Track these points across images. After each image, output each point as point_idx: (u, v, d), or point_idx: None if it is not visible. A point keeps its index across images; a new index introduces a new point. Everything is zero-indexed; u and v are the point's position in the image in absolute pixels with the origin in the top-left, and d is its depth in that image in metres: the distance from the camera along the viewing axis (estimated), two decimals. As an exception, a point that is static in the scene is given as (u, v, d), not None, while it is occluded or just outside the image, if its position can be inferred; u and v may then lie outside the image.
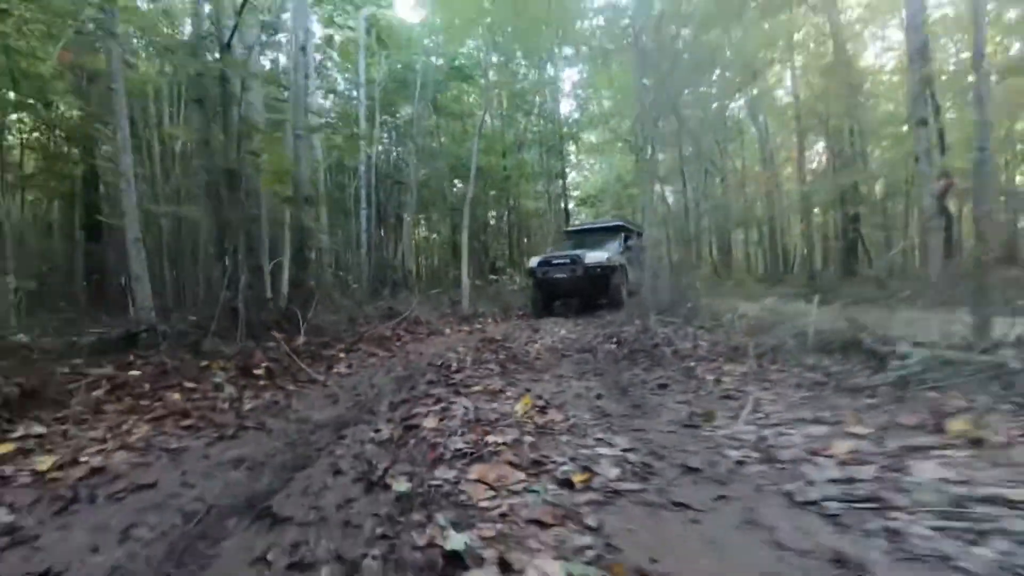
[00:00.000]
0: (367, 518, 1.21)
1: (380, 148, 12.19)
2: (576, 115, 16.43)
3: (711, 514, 1.19)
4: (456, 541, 1.03)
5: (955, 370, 2.27)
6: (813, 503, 1.21)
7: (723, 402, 2.24)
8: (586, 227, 10.37)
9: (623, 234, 9.06)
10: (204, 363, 3.05)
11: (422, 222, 15.97)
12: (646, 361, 3.36)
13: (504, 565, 0.97)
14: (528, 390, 2.50)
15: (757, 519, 1.15)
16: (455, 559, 0.99)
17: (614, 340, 4.24)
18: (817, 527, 1.10)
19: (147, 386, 2.45)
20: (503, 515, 1.17)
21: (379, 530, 1.13)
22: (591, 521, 1.14)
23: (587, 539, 1.06)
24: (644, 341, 3.93)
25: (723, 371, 2.87)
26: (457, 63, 10.81)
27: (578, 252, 7.96)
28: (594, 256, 7.74)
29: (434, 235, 18.20)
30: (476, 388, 2.55)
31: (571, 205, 20.15)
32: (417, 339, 5.02)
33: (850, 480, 1.31)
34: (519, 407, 2.07)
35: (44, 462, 1.54)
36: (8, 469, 1.54)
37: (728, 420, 1.95)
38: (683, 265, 7.56)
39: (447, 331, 5.75)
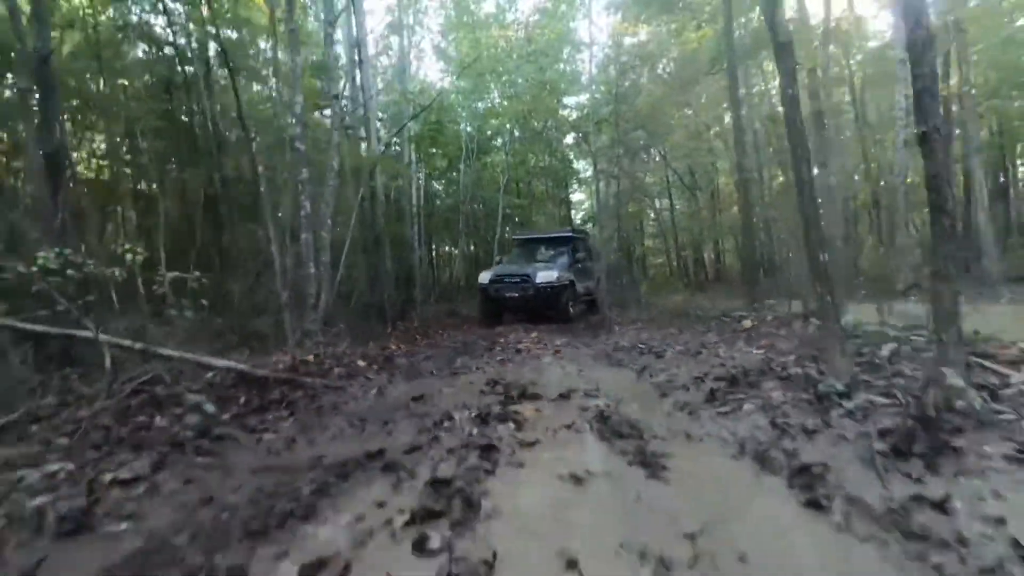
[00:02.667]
0: (494, 352, 4.92)
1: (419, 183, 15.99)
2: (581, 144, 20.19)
3: (589, 348, 4.88)
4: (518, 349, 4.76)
5: (704, 318, 5.92)
6: (623, 349, 4.89)
7: (617, 334, 5.90)
8: (537, 236, 10.62)
9: (572, 244, 9.45)
10: (388, 330, 6.81)
11: (446, 241, 19.67)
12: (597, 327, 7.04)
13: (529, 352, 4.69)
14: (535, 337, 6.21)
15: (602, 351, 4.83)
16: (517, 350, 4.70)
17: (583, 321, 7.94)
18: (618, 351, 4.78)
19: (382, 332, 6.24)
20: (529, 351, 4.86)
21: (499, 353, 4.84)
22: (551, 350, 4.84)
23: (549, 350, 4.75)
24: (600, 319, 7.62)
25: (629, 328, 6.53)
26: (484, 129, 14.59)
27: (529, 271, 8.43)
28: (545, 275, 8.22)
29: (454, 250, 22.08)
30: (514, 336, 6.28)
31: (577, 221, 23.91)
32: (473, 326, 8.76)
33: (637, 342, 4.99)
34: (533, 336, 5.80)
35: (393, 351, 5.32)
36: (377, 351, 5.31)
37: (613, 338, 5.62)
38: (632, 272, 11.13)
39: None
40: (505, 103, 14.30)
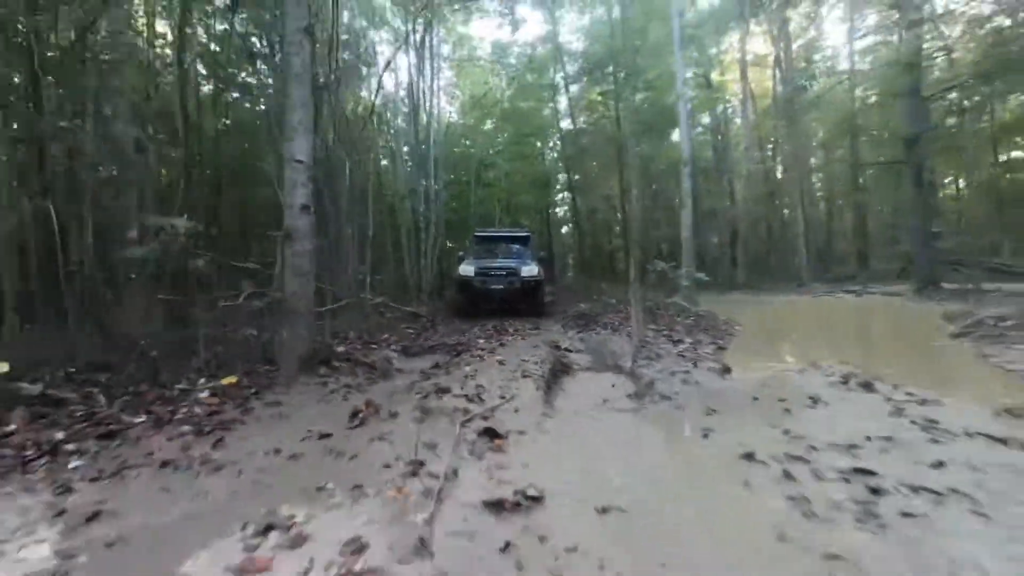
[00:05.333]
0: (499, 314, 11.32)
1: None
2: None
3: (540, 316, 11.31)
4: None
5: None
6: (559, 312, 11.30)
7: (562, 307, 12.31)
8: (498, 234, 11.88)
9: (530, 242, 10.89)
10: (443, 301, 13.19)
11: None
12: (559, 312, 13.46)
13: (515, 314, 11.09)
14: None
15: (547, 312, 11.26)
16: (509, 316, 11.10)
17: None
18: (556, 313, 11.19)
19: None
20: (517, 315, 11.24)
21: (502, 314, 11.22)
22: (524, 315, 11.25)
23: (523, 315, 11.14)
24: (559, 306, 14.07)
25: (572, 304, 12.96)
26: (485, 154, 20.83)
27: (514, 265, 9.78)
28: (528, 270, 9.65)
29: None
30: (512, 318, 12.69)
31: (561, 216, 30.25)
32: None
33: (577, 311, 11.40)
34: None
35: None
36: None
37: (560, 307, 12.04)
38: (604, 265, 17.51)
39: (489, 301, 15.93)
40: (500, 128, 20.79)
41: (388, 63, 11.20)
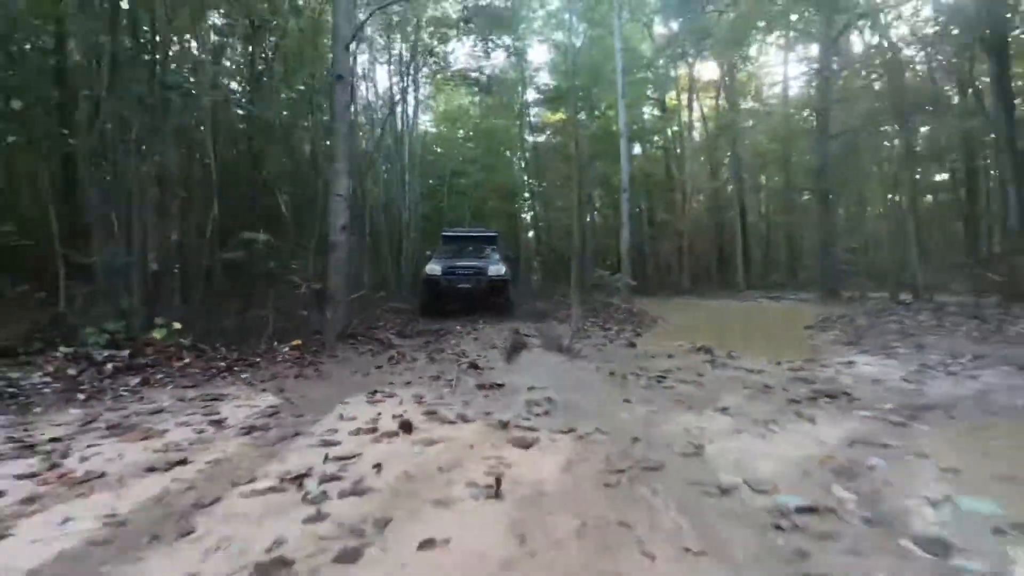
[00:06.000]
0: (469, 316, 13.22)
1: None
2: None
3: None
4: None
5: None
6: (523, 310, 13.29)
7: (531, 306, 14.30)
8: (466, 234, 12.31)
9: (497, 242, 11.58)
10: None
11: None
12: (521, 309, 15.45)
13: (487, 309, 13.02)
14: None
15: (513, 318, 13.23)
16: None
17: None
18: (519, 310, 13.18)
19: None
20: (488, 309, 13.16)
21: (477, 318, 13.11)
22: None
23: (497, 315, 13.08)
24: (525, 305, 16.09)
25: (535, 305, 14.98)
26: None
27: (481, 264, 10.28)
28: (495, 269, 10.21)
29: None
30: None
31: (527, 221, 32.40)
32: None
33: (536, 309, 13.40)
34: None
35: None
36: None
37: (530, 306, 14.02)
38: (552, 273, 19.65)
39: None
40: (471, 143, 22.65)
41: (392, 108, 12.93)
